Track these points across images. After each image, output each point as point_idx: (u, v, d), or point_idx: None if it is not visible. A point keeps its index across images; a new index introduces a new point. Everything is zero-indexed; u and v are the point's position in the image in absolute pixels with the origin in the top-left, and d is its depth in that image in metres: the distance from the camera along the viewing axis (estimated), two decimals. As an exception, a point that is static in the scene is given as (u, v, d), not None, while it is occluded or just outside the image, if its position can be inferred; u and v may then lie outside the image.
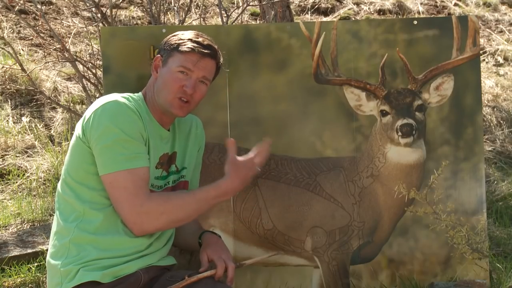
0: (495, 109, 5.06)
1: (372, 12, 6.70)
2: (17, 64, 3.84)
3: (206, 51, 2.06)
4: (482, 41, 6.22)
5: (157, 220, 1.95)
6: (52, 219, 3.35)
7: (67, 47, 4.03)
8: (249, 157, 1.99)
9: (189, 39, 2.07)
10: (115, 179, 1.91)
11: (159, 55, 2.10)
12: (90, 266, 1.89)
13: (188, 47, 2.05)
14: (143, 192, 1.93)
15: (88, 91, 4.03)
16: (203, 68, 2.07)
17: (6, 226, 3.35)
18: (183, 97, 2.05)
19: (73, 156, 1.99)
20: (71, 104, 4.60)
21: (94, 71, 3.86)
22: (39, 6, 4.15)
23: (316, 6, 6.69)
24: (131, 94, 2.06)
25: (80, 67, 3.98)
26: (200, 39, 2.07)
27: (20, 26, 5.50)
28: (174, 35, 2.12)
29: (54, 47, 4.21)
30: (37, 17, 5.40)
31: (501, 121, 4.86)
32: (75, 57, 3.98)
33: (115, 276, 1.91)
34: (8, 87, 4.73)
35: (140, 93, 2.10)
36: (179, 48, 2.06)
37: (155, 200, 1.95)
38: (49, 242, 2.02)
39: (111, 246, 1.93)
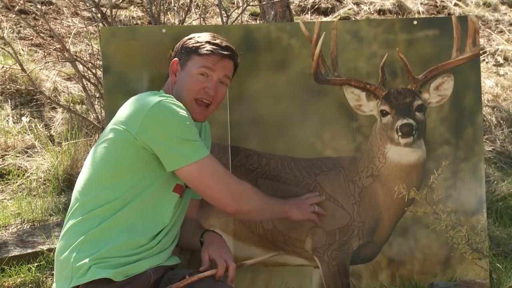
0: (495, 109, 5.06)
1: (372, 12, 6.70)
2: (17, 64, 3.84)
3: (225, 52, 2.12)
4: (482, 41, 6.22)
5: (251, 200, 2.10)
6: (52, 219, 3.38)
7: (67, 47, 4.02)
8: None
9: (207, 42, 2.11)
10: (204, 165, 1.98)
11: (176, 58, 2.14)
12: (102, 264, 1.90)
13: (208, 50, 2.10)
14: (231, 173, 2.09)
15: (88, 91, 4.03)
16: (223, 69, 2.13)
17: (6, 226, 3.34)
18: (205, 98, 2.11)
19: (110, 156, 1.99)
20: (71, 104, 4.60)
21: (94, 71, 3.86)
22: (39, 6, 4.15)
23: (316, 6, 6.69)
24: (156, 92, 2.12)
25: (80, 67, 3.98)
26: (218, 41, 2.13)
27: (20, 26, 5.50)
28: (190, 38, 2.15)
29: (54, 47, 4.21)
30: (37, 17, 5.40)
31: (501, 121, 4.86)
32: (75, 57, 3.98)
33: (126, 275, 1.92)
34: (8, 87, 4.73)
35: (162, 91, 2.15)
36: (198, 51, 2.10)
37: (245, 182, 2.15)
38: (61, 235, 2.02)
39: (124, 245, 1.94)
